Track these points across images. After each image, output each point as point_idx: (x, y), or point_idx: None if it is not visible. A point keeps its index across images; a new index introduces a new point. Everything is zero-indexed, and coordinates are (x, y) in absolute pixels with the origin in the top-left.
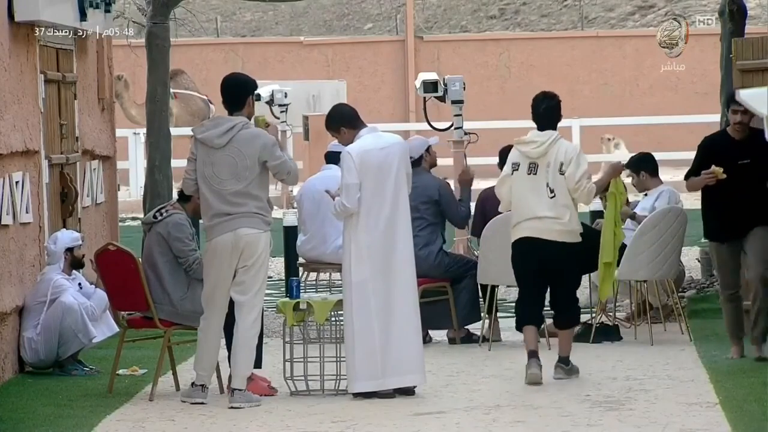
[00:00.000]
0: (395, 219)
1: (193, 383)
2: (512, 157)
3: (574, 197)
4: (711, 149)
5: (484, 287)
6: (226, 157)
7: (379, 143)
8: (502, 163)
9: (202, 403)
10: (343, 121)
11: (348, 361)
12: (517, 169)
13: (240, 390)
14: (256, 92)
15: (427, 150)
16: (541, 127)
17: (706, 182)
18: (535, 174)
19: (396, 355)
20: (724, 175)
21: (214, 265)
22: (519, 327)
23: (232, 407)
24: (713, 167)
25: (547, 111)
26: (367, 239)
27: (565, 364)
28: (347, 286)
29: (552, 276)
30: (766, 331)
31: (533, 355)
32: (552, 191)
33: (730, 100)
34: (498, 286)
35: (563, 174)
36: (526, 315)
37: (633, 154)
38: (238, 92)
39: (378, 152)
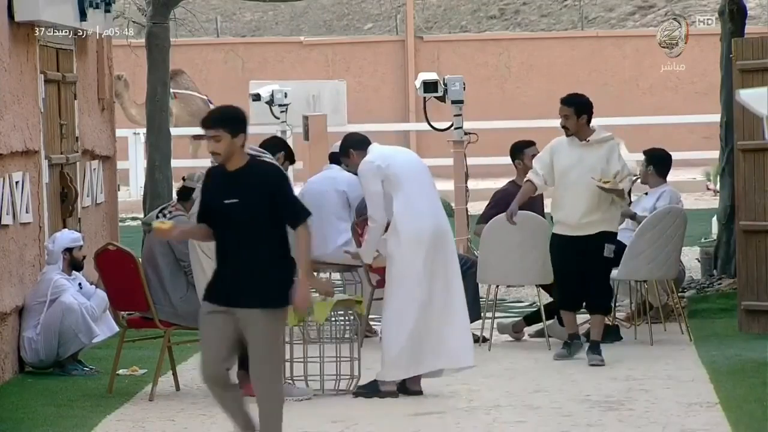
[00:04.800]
0: (438, 210)
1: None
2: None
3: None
4: None
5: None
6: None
7: (397, 149)
8: (513, 159)
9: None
10: (353, 143)
11: (389, 350)
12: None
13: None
14: (255, 92)
15: None
16: None
17: None
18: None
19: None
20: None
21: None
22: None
23: None
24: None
25: None
26: (417, 225)
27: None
28: (398, 276)
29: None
30: None
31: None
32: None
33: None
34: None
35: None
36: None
37: (654, 147)
38: None
39: (403, 153)
